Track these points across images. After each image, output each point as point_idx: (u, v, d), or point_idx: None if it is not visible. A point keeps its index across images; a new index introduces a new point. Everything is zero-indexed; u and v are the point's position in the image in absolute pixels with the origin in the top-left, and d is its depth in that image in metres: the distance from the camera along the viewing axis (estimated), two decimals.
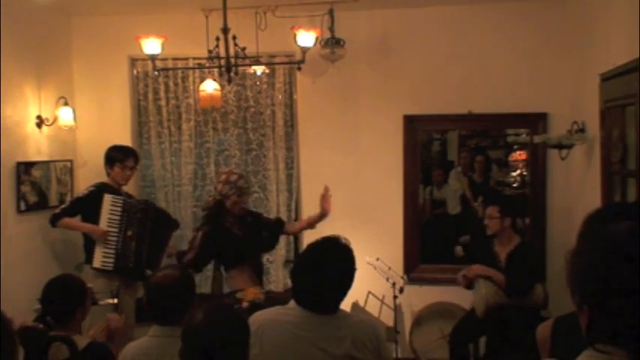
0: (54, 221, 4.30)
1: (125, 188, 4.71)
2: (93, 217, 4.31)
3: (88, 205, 4.32)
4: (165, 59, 4.78)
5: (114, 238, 4.30)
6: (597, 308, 1.15)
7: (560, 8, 4.56)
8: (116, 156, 4.43)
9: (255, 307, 3.57)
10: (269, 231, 4.06)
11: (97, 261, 4.28)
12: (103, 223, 4.30)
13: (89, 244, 4.34)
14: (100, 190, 4.36)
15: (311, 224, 4.17)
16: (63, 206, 4.37)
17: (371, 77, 4.87)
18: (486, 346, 4.29)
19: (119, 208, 4.33)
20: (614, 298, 1.12)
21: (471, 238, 4.56)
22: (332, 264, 2.19)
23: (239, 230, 3.85)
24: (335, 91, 4.90)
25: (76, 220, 4.37)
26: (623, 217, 1.56)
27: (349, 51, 4.62)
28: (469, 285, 4.19)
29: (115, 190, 4.40)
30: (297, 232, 4.50)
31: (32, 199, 4.42)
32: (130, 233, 4.33)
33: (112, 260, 4.29)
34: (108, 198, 4.31)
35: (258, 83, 5.07)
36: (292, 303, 2.23)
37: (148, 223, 4.36)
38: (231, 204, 3.80)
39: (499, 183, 5.35)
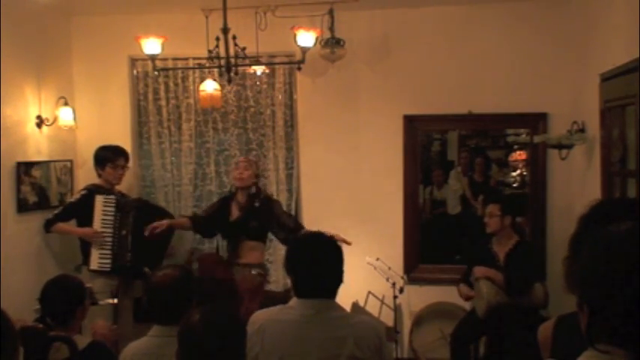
0: (47, 227, 4.33)
1: (126, 189, 4.72)
2: (87, 220, 4.32)
3: (81, 209, 4.34)
4: (165, 59, 4.78)
5: (109, 239, 4.31)
6: (597, 308, 1.15)
7: (560, 8, 4.56)
8: (106, 156, 4.44)
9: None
10: (265, 222, 4.30)
11: (94, 263, 4.29)
12: (97, 225, 4.31)
13: (85, 246, 4.36)
14: (91, 192, 4.37)
15: None
16: (56, 212, 4.39)
17: (371, 77, 4.87)
18: (487, 347, 4.29)
19: (112, 208, 4.34)
20: (614, 298, 1.12)
21: (470, 238, 4.55)
22: (318, 249, 2.28)
23: (237, 211, 4.35)
24: (335, 91, 4.90)
25: (69, 225, 4.39)
26: (618, 215, 1.56)
27: (349, 51, 4.62)
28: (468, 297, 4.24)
29: (107, 191, 4.41)
30: None
31: (32, 199, 4.42)
32: (124, 232, 4.34)
33: (108, 261, 4.30)
34: (100, 199, 4.33)
35: (258, 83, 5.07)
36: (293, 301, 2.24)
37: (143, 220, 4.37)
38: (233, 178, 4.48)
39: (499, 183, 5.36)
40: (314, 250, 2.27)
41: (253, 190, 4.35)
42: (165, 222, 4.34)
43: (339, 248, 2.30)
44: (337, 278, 2.26)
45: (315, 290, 2.21)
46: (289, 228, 4.24)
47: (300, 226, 4.35)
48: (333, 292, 2.25)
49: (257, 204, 4.31)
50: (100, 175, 4.47)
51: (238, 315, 2.01)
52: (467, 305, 4.50)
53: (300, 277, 2.25)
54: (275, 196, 5.02)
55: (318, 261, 2.23)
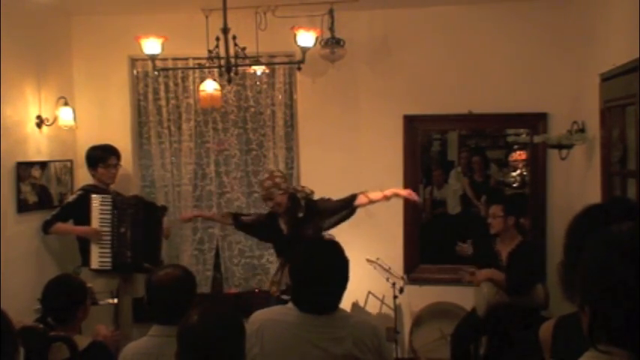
0: (46, 228, 4.32)
1: (125, 189, 4.72)
2: (85, 220, 4.32)
3: (78, 210, 4.34)
4: (165, 59, 4.78)
5: (108, 237, 4.32)
6: (599, 309, 1.15)
7: (560, 8, 4.56)
8: (97, 156, 4.45)
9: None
10: (317, 224, 4.03)
11: (95, 262, 4.29)
12: (95, 224, 4.31)
13: (84, 246, 4.36)
14: (87, 192, 4.38)
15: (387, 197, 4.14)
16: (53, 213, 4.39)
17: (371, 77, 4.87)
18: (487, 346, 4.29)
19: (109, 207, 4.35)
20: (615, 298, 1.11)
21: (473, 238, 4.55)
22: (324, 264, 2.20)
23: (285, 224, 4.08)
24: (335, 91, 4.90)
25: (68, 225, 4.38)
26: (611, 217, 1.56)
27: (349, 51, 4.62)
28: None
29: (103, 191, 4.42)
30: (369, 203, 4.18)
31: (32, 199, 4.42)
32: (123, 230, 4.35)
33: (109, 259, 4.31)
34: (96, 198, 4.34)
35: (258, 83, 5.07)
36: (292, 303, 2.23)
37: (140, 217, 4.39)
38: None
39: (499, 183, 5.36)
40: (322, 268, 2.19)
41: (289, 204, 4.04)
42: (199, 213, 4.54)
43: (347, 268, 2.23)
44: (339, 298, 2.21)
45: (314, 308, 2.18)
46: (343, 206, 4.10)
47: (351, 198, 4.14)
48: (331, 310, 2.21)
49: (300, 214, 4.04)
50: (93, 176, 4.48)
51: (237, 315, 2.00)
52: (467, 305, 4.50)
53: (300, 292, 2.21)
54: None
55: (323, 281, 2.17)
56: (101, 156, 4.45)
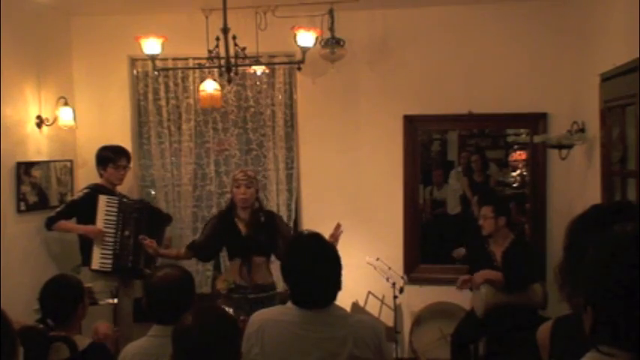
0: (49, 224, 4.30)
1: (126, 189, 4.71)
2: (89, 219, 4.31)
3: (83, 208, 4.33)
4: (165, 59, 4.78)
5: (111, 239, 4.31)
6: (602, 310, 1.14)
7: (560, 8, 4.56)
8: (108, 156, 4.45)
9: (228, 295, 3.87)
10: (272, 236, 3.94)
11: (95, 262, 4.28)
12: (100, 225, 4.30)
13: (85, 246, 4.35)
14: (94, 191, 4.37)
15: None
16: (58, 209, 4.37)
17: (371, 77, 4.87)
18: (486, 347, 4.29)
19: (115, 209, 4.34)
20: (618, 299, 1.11)
21: (468, 239, 4.56)
22: (316, 259, 2.21)
23: (244, 227, 3.94)
24: (335, 91, 4.90)
25: (72, 223, 4.37)
26: (611, 220, 1.56)
27: (349, 51, 4.62)
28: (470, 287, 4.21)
29: (109, 191, 4.41)
30: None
31: (32, 199, 4.42)
32: (127, 233, 4.34)
33: (110, 261, 4.30)
34: (103, 199, 4.32)
35: (258, 83, 5.06)
36: (290, 303, 2.24)
37: (144, 222, 4.38)
38: (234, 196, 3.96)
39: (499, 183, 5.36)
40: (311, 260, 2.20)
41: (256, 205, 3.99)
42: (156, 249, 4.04)
43: (337, 256, 2.24)
44: (335, 288, 2.21)
45: (313, 302, 2.18)
46: (284, 233, 4.01)
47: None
48: (330, 302, 2.21)
49: (262, 218, 3.96)
50: (101, 175, 4.47)
51: (232, 316, 2.00)
52: (467, 305, 4.50)
53: (296, 288, 2.21)
54: (275, 196, 5.03)
55: (316, 272, 2.17)
56: (112, 157, 4.44)
